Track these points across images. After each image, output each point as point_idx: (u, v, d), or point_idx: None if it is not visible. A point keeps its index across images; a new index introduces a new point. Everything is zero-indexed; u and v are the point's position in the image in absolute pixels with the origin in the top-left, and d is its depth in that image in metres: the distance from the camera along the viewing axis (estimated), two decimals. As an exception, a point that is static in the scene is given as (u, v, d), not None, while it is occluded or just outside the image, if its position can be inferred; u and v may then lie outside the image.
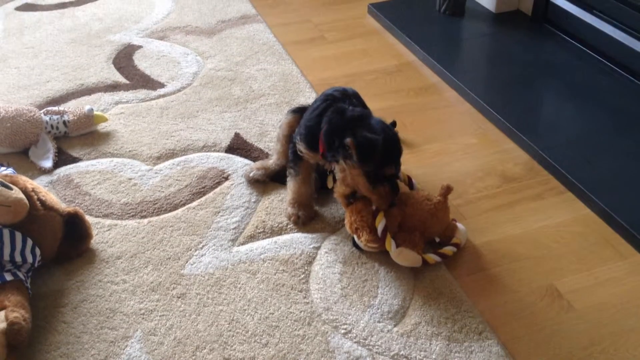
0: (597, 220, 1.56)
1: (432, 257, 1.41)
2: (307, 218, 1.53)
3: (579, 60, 2.20)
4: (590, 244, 1.50)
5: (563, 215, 1.58)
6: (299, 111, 1.61)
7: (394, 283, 1.38)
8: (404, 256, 1.39)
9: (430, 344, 1.25)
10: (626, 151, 1.75)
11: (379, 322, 1.30)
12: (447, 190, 1.45)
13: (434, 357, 1.23)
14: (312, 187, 1.55)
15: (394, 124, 1.49)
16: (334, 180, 1.48)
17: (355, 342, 1.25)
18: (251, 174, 1.65)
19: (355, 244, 1.46)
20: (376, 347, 1.25)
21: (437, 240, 1.48)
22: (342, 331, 1.28)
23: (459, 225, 1.49)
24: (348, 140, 1.33)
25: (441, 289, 1.37)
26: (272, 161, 1.66)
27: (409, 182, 1.61)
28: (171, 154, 1.79)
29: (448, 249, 1.44)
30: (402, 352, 1.23)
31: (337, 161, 1.39)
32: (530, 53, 2.27)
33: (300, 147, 1.47)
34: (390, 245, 1.39)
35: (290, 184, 1.54)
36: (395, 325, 1.29)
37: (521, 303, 1.35)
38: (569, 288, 1.38)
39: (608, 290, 1.38)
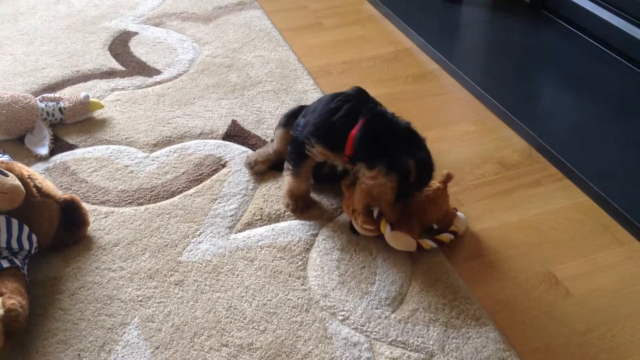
0: (595, 207, 1.56)
1: (427, 243, 1.41)
2: (305, 206, 1.52)
3: (578, 47, 2.19)
4: (588, 230, 1.50)
5: (561, 202, 1.58)
6: (289, 122, 1.58)
7: (391, 270, 1.38)
8: (398, 239, 1.39)
9: (427, 330, 1.25)
10: (624, 138, 1.75)
11: (376, 308, 1.30)
12: (448, 178, 1.45)
13: (431, 343, 1.23)
14: (309, 183, 1.54)
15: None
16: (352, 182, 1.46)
17: (353, 329, 1.25)
18: (255, 168, 1.64)
19: (352, 229, 1.46)
20: (374, 333, 1.25)
21: (435, 227, 1.47)
22: (340, 317, 1.28)
23: (460, 214, 1.49)
24: (411, 161, 1.31)
25: (439, 276, 1.37)
26: (272, 151, 1.64)
27: None
28: (168, 141, 1.78)
29: (445, 236, 1.43)
30: (399, 338, 1.24)
31: (372, 167, 1.35)
32: (529, 40, 2.26)
33: (317, 148, 1.42)
34: (385, 228, 1.39)
35: (288, 179, 1.51)
36: (393, 312, 1.29)
37: (519, 289, 1.35)
38: (566, 274, 1.38)
39: (605, 276, 1.38)
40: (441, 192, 1.44)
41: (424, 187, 1.40)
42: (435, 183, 1.45)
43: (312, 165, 1.49)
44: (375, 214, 1.39)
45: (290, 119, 1.60)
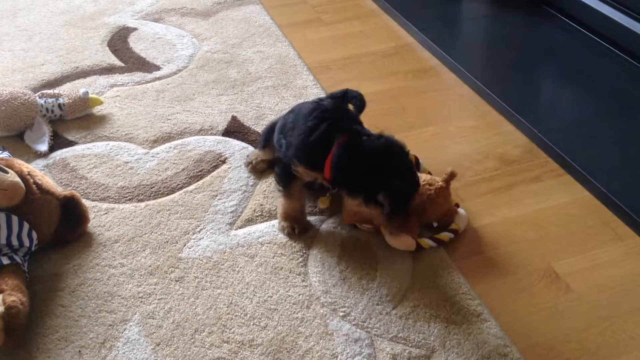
0: (596, 203, 1.56)
1: (426, 242, 1.41)
2: (302, 230, 1.45)
3: (578, 42, 2.18)
4: (589, 226, 1.50)
5: (561, 198, 1.58)
6: (269, 140, 1.57)
7: (392, 266, 1.38)
8: (398, 240, 1.39)
9: (428, 326, 1.25)
10: (625, 134, 1.75)
11: (377, 304, 1.30)
12: (451, 176, 1.44)
13: (432, 339, 1.23)
14: (304, 201, 1.49)
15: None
16: (330, 200, 1.46)
17: (354, 325, 1.25)
18: (257, 167, 1.63)
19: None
20: (375, 329, 1.25)
21: (435, 224, 1.47)
22: (341, 314, 1.28)
23: (461, 210, 1.48)
24: (380, 196, 1.29)
25: (440, 272, 1.37)
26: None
27: (416, 163, 1.59)
28: (168, 137, 1.77)
29: (444, 235, 1.43)
30: (400, 335, 1.24)
31: (353, 195, 1.33)
32: (529, 35, 2.25)
33: (299, 169, 1.38)
34: (385, 231, 1.39)
35: (281, 200, 1.46)
36: (393, 308, 1.29)
37: (519, 285, 1.35)
38: (567, 270, 1.38)
39: (606, 272, 1.38)
40: (443, 190, 1.44)
41: (406, 210, 1.34)
42: (437, 181, 1.45)
43: (302, 184, 1.45)
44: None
45: (268, 136, 1.58)
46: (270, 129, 1.59)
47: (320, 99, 1.47)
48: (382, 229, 1.39)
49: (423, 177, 1.47)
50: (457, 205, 1.50)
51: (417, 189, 1.35)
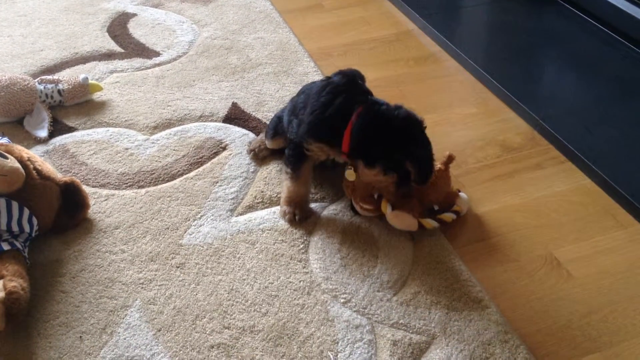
0: (597, 190, 1.56)
1: (429, 222, 1.40)
2: (303, 217, 1.44)
3: (580, 28, 2.17)
4: (590, 213, 1.50)
5: (563, 185, 1.58)
6: (278, 130, 1.56)
7: (393, 253, 1.38)
8: (400, 219, 1.38)
9: (429, 312, 1.25)
10: (627, 121, 1.74)
11: (378, 291, 1.30)
12: (449, 159, 1.44)
13: (433, 325, 1.23)
14: (309, 187, 1.48)
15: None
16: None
17: (354, 311, 1.25)
18: (260, 155, 1.62)
19: (352, 209, 1.46)
20: (375, 315, 1.25)
21: (436, 208, 1.47)
22: (342, 300, 1.28)
23: (462, 194, 1.48)
24: (408, 163, 1.29)
25: (440, 259, 1.37)
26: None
27: None
28: (168, 124, 1.77)
29: (447, 215, 1.43)
30: (401, 321, 1.24)
31: (370, 166, 1.33)
32: (531, 21, 2.24)
33: (313, 146, 1.38)
34: (386, 207, 1.38)
35: (287, 183, 1.45)
36: (394, 295, 1.29)
37: (520, 272, 1.35)
38: (568, 257, 1.38)
39: (607, 259, 1.38)
40: (442, 173, 1.44)
41: (427, 182, 1.34)
42: (436, 164, 1.44)
43: (311, 166, 1.45)
44: (376, 195, 1.39)
45: (278, 128, 1.57)
46: (278, 119, 1.58)
47: (329, 77, 1.46)
48: (383, 209, 1.39)
49: None
50: (459, 191, 1.49)
51: (433, 165, 1.36)
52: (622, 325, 1.24)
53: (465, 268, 1.34)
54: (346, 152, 1.36)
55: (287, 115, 1.51)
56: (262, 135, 1.66)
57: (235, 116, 1.80)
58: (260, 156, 1.63)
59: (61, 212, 1.40)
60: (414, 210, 1.39)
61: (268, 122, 1.75)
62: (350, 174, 1.43)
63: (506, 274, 1.35)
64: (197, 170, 1.60)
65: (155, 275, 1.33)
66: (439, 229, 1.43)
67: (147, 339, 1.20)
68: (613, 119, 1.75)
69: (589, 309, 1.27)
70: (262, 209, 1.50)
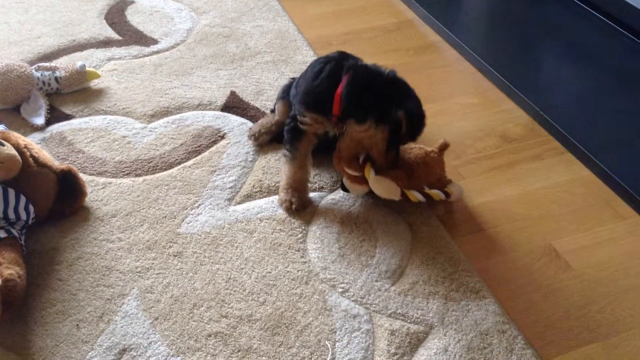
0: (597, 181, 1.55)
1: (413, 194, 1.39)
2: (300, 205, 1.44)
3: (581, 19, 2.16)
4: (589, 204, 1.49)
5: (562, 176, 1.57)
6: (288, 94, 1.57)
7: (391, 243, 1.37)
8: (382, 184, 1.36)
9: (427, 302, 1.25)
10: (627, 112, 1.74)
11: (376, 281, 1.29)
12: (444, 145, 1.44)
13: (431, 315, 1.23)
14: (308, 171, 1.47)
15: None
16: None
17: (352, 301, 1.25)
18: (260, 140, 1.62)
19: (342, 186, 1.46)
20: (373, 305, 1.24)
21: (426, 190, 1.44)
22: (340, 290, 1.27)
23: (456, 183, 1.46)
24: (400, 112, 1.30)
25: (439, 249, 1.36)
26: (274, 122, 1.62)
27: None
28: (165, 112, 1.76)
29: (435, 192, 1.41)
30: (399, 311, 1.23)
31: (361, 121, 1.34)
32: (532, 11, 2.22)
33: (307, 118, 1.40)
34: (369, 172, 1.37)
35: (285, 168, 1.46)
36: (392, 284, 1.29)
37: (519, 263, 1.35)
38: (567, 248, 1.38)
39: (606, 250, 1.37)
40: (436, 158, 1.43)
41: (417, 136, 1.37)
42: (430, 148, 1.44)
43: (309, 148, 1.45)
44: (361, 159, 1.38)
45: (287, 90, 1.59)
46: (290, 84, 1.60)
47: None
48: (366, 173, 1.37)
49: (414, 145, 1.46)
50: (451, 180, 1.47)
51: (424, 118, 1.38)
52: (620, 316, 1.24)
53: (464, 258, 1.34)
54: (337, 115, 1.37)
55: (293, 88, 1.53)
56: (262, 120, 1.65)
57: (234, 105, 1.79)
58: (259, 141, 1.62)
59: (58, 200, 1.39)
60: (398, 179, 1.37)
61: (269, 109, 1.74)
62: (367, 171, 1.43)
63: (505, 264, 1.34)
64: (195, 159, 1.59)
65: (153, 263, 1.32)
66: (426, 205, 1.43)
67: (144, 327, 1.20)
68: (613, 110, 1.74)
69: (587, 300, 1.27)
70: (260, 198, 1.49)
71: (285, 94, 1.60)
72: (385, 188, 1.37)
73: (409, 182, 1.40)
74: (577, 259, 1.35)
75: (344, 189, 1.45)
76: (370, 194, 1.43)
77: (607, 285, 1.30)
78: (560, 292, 1.28)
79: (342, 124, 1.38)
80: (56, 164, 1.41)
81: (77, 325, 1.20)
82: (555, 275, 1.32)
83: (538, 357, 1.16)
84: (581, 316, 1.24)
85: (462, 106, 1.82)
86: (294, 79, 1.60)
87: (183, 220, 1.42)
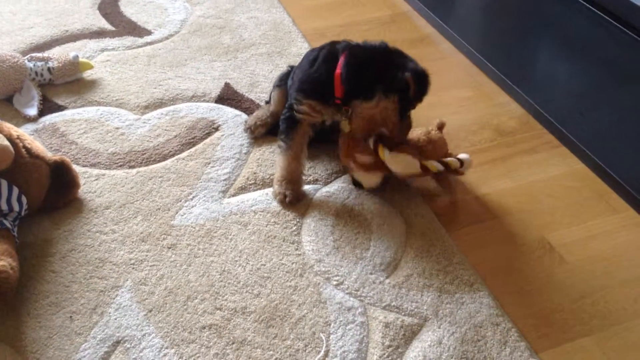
0: (591, 175, 1.56)
1: (433, 164, 1.38)
2: (294, 198, 1.43)
3: (576, 12, 2.16)
4: (584, 198, 1.50)
5: (557, 170, 1.57)
6: (284, 82, 1.57)
7: (386, 235, 1.37)
8: (399, 159, 1.35)
9: (421, 295, 1.25)
10: (621, 106, 1.74)
11: (371, 273, 1.29)
12: (441, 124, 1.48)
13: (425, 308, 1.23)
14: (303, 163, 1.46)
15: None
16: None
17: (347, 294, 1.25)
18: (255, 132, 1.61)
19: (354, 182, 1.45)
20: (368, 298, 1.24)
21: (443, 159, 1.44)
22: (334, 282, 1.27)
23: (463, 154, 1.45)
24: (408, 75, 1.31)
25: (433, 242, 1.36)
26: (269, 114, 1.61)
27: None
28: (159, 104, 1.74)
29: (452, 160, 1.41)
30: (393, 303, 1.23)
31: (369, 98, 1.34)
32: (527, 5, 2.22)
33: (304, 106, 1.39)
34: (384, 152, 1.36)
35: (280, 159, 1.45)
36: (387, 277, 1.29)
37: (513, 256, 1.35)
38: (561, 241, 1.38)
39: (600, 243, 1.38)
40: (436, 134, 1.45)
41: (425, 95, 1.37)
42: (430, 128, 1.47)
43: (305, 139, 1.44)
44: (371, 143, 1.37)
45: (284, 78, 1.58)
46: (288, 72, 1.60)
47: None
48: (381, 154, 1.36)
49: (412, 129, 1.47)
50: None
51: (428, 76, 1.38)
52: (614, 309, 1.24)
53: (458, 251, 1.34)
54: (340, 97, 1.36)
55: (291, 79, 1.52)
56: (257, 112, 1.64)
57: (228, 97, 1.78)
58: (255, 133, 1.61)
59: (51, 192, 1.38)
60: (413, 154, 1.36)
61: (263, 102, 1.74)
62: (345, 125, 1.42)
63: (499, 257, 1.35)
64: (189, 151, 1.58)
65: (147, 255, 1.31)
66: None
67: (138, 319, 1.19)
68: (608, 104, 1.75)
69: (580, 293, 1.27)
70: (254, 190, 1.48)
71: (282, 82, 1.59)
72: (404, 163, 1.35)
73: (423, 156, 1.40)
74: (571, 252, 1.36)
75: (356, 184, 1.44)
76: (380, 187, 1.43)
77: (601, 279, 1.30)
78: (554, 285, 1.29)
79: (347, 107, 1.38)
80: (49, 155, 1.40)
81: (71, 317, 1.19)
82: (549, 268, 1.32)
83: (531, 349, 1.16)
84: (575, 309, 1.24)
85: (456, 99, 1.82)
86: (292, 67, 1.60)
87: (177, 213, 1.41)
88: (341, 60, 1.36)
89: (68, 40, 2.00)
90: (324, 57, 1.40)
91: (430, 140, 1.44)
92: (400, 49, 1.39)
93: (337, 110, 1.40)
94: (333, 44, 1.43)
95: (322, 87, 1.37)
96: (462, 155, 1.44)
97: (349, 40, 1.44)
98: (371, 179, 1.42)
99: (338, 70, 1.35)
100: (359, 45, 1.40)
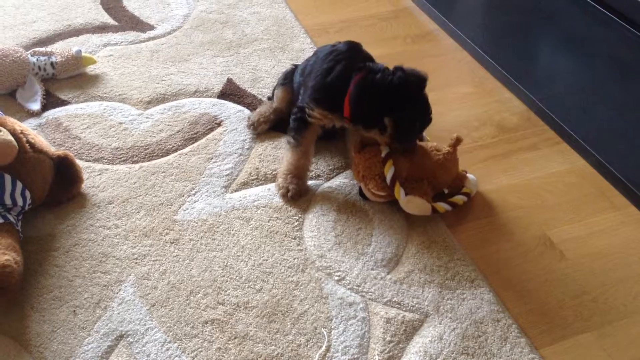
0: (592, 172, 1.56)
1: (442, 206, 1.40)
2: (297, 193, 1.44)
3: (578, 8, 2.15)
4: (585, 194, 1.50)
5: (558, 166, 1.58)
6: (288, 81, 1.57)
7: (387, 231, 1.38)
8: (414, 204, 1.37)
9: (423, 291, 1.26)
10: (623, 102, 1.74)
11: (372, 269, 1.30)
12: (457, 141, 1.43)
13: (426, 304, 1.24)
14: (310, 160, 1.48)
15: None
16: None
17: (348, 289, 1.26)
18: (258, 129, 1.61)
19: (361, 194, 1.45)
20: (369, 293, 1.25)
21: (446, 191, 1.46)
22: (336, 278, 1.28)
23: (470, 175, 1.47)
24: (386, 120, 1.32)
25: (434, 238, 1.37)
26: (272, 110, 1.62)
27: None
28: (162, 99, 1.75)
29: (458, 198, 1.42)
30: (395, 299, 1.24)
31: (369, 127, 1.36)
32: (529, 1, 2.22)
33: (316, 112, 1.40)
34: (400, 193, 1.37)
35: (289, 154, 1.46)
36: (388, 273, 1.29)
37: (514, 252, 1.36)
38: (562, 238, 1.39)
39: (601, 240, 1.38)
40: (451, 155, 1.42)
41: (411, 142, 1.39)
42: (444, 147, 1.43)
43: (314, 137, 1.46)
44: (388, 178, 1.37)
45: (289, 76, 1.58)
46: (292, 70, 1.60)
47: (334, 44, 1.49)
48: (396, 194, 1.37)
49: (429, 144, 1.46)
50: (465, 172, 1.48)
51: (426, 117, 1.38)
52: (613, 305, 1.25)
53: (459, 247, 1.35)
54: (348, 117, 1.38)
55: (299, 75, 1.53)
56: (260, 108, 1.64)
57: (231, 92, 1.78)
58: (258, 130, 1.61)
59: (54, 186, 1.39)
60: (427, 195, 1.38)
61: (265, 97, 1.74)
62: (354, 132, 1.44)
63: (500, 253, 1.35)
64: (191, 146, 1.59)
65: (150, 250, 1.32)
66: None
67: (141, 314, 1.20)
68: (609, 101, 1.75)
69: (581, 289, 1.28)
70: (257, 185, 1.49)
71: (286, 80, 1.60)
72: (417, 207, 1.38)
73: (433, 188, 1.42)
74: (572, 249, 1.36)
75: (363, 197, 1.45)
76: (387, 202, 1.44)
77: (601, 275, 1.31)
78: (554, 281, 1.29)
79: (354, 124, 1.40)
80: (52, 149, 1.41)
81: (74, 311, 1.20)
82: (550, 264, 1.33)
83: (532, 345, 1.17)
84: (575, 305, 1.25)
85: (458, 95, 1.82)
86: (296, 65, 1.60)
87: (180, 208, 1.42)
88: (351, 85, 1.35)
89: (71, 35, 2.00)
90: (339, 74, 1.38)
91: (444, 166, 1.42)
92: (415, 84, 1.34)
93: (347, 121, 1.41)
94: (349, 57, 1.41)
95: (334, 102, 1.38)
96: (469, 184, 1.45)
97: (370, 57, 1.44)
98: (379, 200, 1.44)
99: (348, 95, 1.35)
100: (372, 76, 1.33)
